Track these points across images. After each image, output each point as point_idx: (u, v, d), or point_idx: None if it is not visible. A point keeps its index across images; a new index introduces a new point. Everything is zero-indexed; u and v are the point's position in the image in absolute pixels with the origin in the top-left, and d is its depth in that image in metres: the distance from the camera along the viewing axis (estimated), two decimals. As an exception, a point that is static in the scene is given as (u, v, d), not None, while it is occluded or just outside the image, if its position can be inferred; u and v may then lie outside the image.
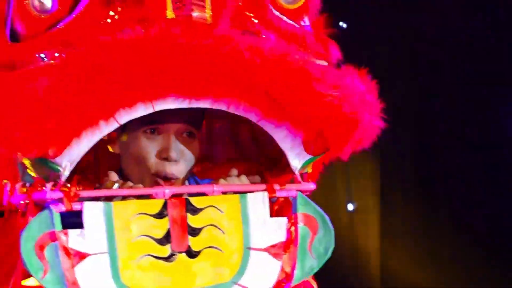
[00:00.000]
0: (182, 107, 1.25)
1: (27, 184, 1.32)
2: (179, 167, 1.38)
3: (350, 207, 3.86)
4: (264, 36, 1.29)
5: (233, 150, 1.67)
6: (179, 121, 1.39)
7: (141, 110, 1.22)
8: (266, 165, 1.52)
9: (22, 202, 1.32)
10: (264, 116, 1.26)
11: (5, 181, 1.46)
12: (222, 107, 1.26)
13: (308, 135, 1.28)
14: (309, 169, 1.40)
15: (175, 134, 1.39)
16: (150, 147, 1.38)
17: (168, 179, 1.35)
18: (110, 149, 1.45)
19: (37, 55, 1.27)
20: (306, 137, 1.28)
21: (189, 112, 1.35)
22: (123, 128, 1.38)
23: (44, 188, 1.25)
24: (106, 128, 1.22)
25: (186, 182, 1.45)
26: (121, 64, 1.16)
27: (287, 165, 1.38)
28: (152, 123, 1.36)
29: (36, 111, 1.16)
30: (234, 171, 1.40)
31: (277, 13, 1.37)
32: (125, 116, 1.22)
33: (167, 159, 1.36)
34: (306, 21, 1.45)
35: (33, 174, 1.28)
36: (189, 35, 1.18)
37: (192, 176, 1.50)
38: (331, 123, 1.25)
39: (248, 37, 1.24)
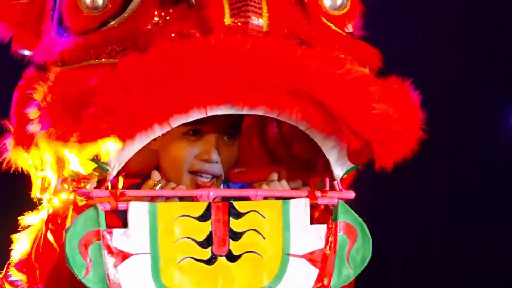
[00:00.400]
0: (235, 113, 1.25)
1: (69, 180, 1.34)
2: (218, 166, 1.40)
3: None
4: (318, 47, 1.28)
5: (261, 153, 1.68)
6: (221, 123, 1.40)
7: (195, 115, 1.22)
8: (299, 169, 1.53)
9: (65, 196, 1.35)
10: (315, 126, 1.26)
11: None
12: (274, 115, 1.25)
13: (355, 145, 1.28)
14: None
15: (216, 137, 1.40)
16: (190, 149, 1.39)
17: (205, 178, 1.38)
18: (150, 145, 1.45)
19: (90, 52, 1.27)
20: (353, 147, 1.28)
21: (232, 117, 1.35)
22: None
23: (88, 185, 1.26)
24: (159, 131, 1.22)
25: (221, 186, 1.46)
26: (180, 70, 1.16)
27: (321, 169, 1.40)
28: (195, 124, 1.36)
29: (92, 111, 1.16)
30: (275, 176, 1.41)
31: (325, 21, 1.37)
32: (179, 120, 1.22)
33: (207, 161, 1.38)
34: (349, 28, 1.45)
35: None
36: (247, 43, 1.17)
37: (224, 181, 1.50)
38: (380, 135, 1.25)
39: (304, 47, 1.23)
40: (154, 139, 1.41)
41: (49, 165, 1.39)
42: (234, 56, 1.17)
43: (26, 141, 1.50)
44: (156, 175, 1.35)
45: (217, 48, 1.17)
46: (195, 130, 1.39)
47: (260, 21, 1.25)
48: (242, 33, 1.21)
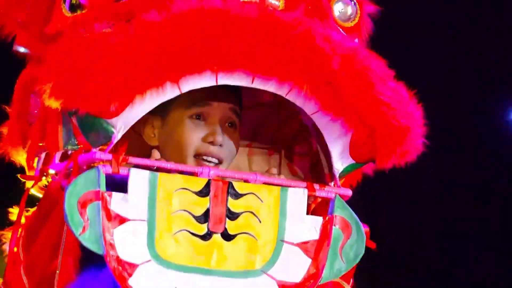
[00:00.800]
0: (245, 85, 1.28)
1: (69, 152, 1.34)
2: (223, 151, 1.42)
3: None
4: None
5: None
6: (224, 109, 1.43)
7: (206, 80, 1.25)
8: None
9: (64, 168, 1.34)
10: (322, 107, 1.29)
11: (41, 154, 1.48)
12: (283, 91, 1.29)
13: (358, 135, 1.31)
14: (340, 183, 1.43)
15: (220, 120, 1.43)
16: (196, 131, 1.41)
17: (210, 162, 1.39)
18: (149, 142, 1.48)
19: (105, 22, 1.30)
20: (356, 137, 1.31)
21: (234, 100, 1.41)
22: (163, 118, 1.43)
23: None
24: (169, 92, 1.24)
25: None
26: (197, 32, 1.20)
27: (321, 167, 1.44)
28: (199, 107, 1.40)
29: (105, 64, 1.18)
30: (274, 170, 1.42)
31: (335, 25, 1.44)
32: (190, 83, 1.24)
33: (212, 142, 1.40)
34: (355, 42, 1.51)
35: (79, 138, 1.30)
36: (265, 15, 1.22)
37: None
38: (384, 125, 1.28)
39: (319, 26, 1.28)
40: (154, 135, 1.44)
41: (51, 137, 1.40)
42: (250, 25, 1.21)
43: (25, 128, 1.52)
44: (156, 154, 1.36)
45: (234, 15, 1.21)
46: (199, 114, 1.42)
47: (276, 2, 1.31)
48: (259, 6, 1.26)
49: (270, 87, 1.28)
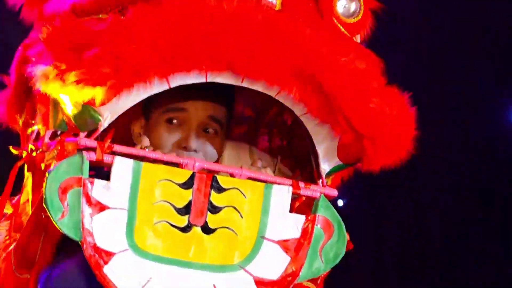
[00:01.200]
0: (234, 84, 1.27)
1: (58, 133, 1.35)
2: (198, 156, 1.40)
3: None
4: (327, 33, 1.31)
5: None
6: (201, 116, 1.43)
7: (195, 77, 1.24)
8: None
9: (51, 147, 1.35)
10: (311, 110, 1.28)
11: (33, 128, 1.49)
12: (273, 92, 1.27)
13: (346, 138, 1.29)
14: (328, 181, 1.42)
15: (197, 126, 1.43)
16: (170, 135, 1.42)
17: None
18: (135, 140, 1.48)
19: (102, 6, 1.29)
20: (344, 141, 1.30)
21: (214, 108, 1.42)
22: (146, 119, 1.45)
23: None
24: (156, 87, 1.23)
25: None
26: (188, 27, 1.18)
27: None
28: (176, 111, 1.40)
29: (96, 52, 1.17)
30: (259, 163, 1.42)
31: (337, 22, 1.41)
32: (178, 79, 1.23)
33: (186, 148, 1.40)
34: (357, 39, 1.48)
35: (67, 121, 1.30)
36: (259, 14, 1.20)
37: None
38: (372, 129, 1.27)
39: (313, 29, 1.26)
40: (140, 135, 1.44)
41: (41, 116, 1.40)
42: (243, 24, 1.19)
43: (22, 98, 1.52)
44: (145, 141, 1.35)
45: (228, 13, 1.19)
46: (174, 118, 1.42)
47: (273, 0, 1.28)
48: (252, 4, 1.24)
49: (259, 87, 1.27)
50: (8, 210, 1.55)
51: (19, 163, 1.49)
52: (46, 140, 1.39)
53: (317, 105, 1.27)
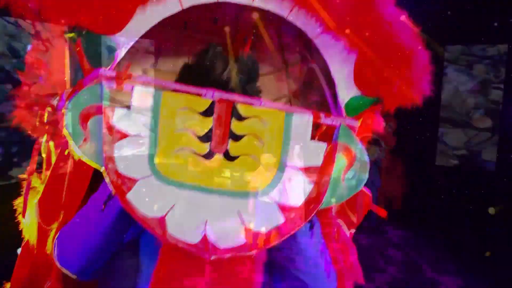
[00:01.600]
0: (246, 3, 1.27)
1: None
2: None
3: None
4: None
5: None
6: None
7: None
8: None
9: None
10: (324, 27, 1.27)
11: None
12: (285, 11, 1.26)
13: (362, 57, 1.28)
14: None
15: None
16: None
17: None
18: None
19: None
20: (360, 60, 1.29)
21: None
22: None
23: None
24: (170, 5, 1.22)
25: None
26: None
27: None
28: None
29: None
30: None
31: None
32: None
33: None
34: None
35: (83, 62, 1.30)
36: None
37: None
38: (387, 44, 1.26)
39: None
40: None
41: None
42: None
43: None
44: None
45: None
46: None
47: None
48: None
49: (271, 6, 1.26)
50: (36, 182, 1.55)
51: (43, 139, 1.50)
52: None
53: (331, 18, 1.26)
